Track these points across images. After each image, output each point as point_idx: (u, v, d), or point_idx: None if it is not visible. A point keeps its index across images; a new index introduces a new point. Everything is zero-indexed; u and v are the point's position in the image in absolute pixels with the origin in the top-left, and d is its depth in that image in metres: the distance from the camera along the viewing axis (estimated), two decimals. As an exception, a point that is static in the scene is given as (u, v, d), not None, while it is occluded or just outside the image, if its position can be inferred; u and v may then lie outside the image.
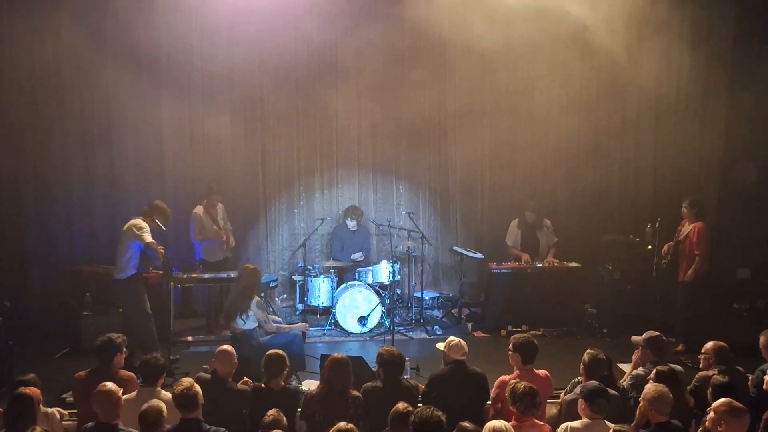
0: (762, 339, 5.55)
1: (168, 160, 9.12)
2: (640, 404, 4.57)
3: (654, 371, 4.96)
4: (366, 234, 9.42)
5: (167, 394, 4.93)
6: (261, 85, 9.10)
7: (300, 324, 7.57)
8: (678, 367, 5.24)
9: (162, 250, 6.90)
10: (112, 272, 7.19)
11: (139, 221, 7.00)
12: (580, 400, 4.51)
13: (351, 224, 9.14)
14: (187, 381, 4.62)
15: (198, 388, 4.54)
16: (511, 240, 8.95)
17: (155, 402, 4.38)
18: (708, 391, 4.72)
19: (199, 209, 8.41)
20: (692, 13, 9.30)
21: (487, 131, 9.59)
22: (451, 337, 5.49)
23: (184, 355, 7.51)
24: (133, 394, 4.94)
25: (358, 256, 9.11)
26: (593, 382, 4.62)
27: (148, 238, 6.87)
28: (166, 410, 4.33)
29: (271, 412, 4.59)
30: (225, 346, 5.44)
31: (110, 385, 4.51)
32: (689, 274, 7.68)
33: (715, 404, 4.18)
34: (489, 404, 5.33)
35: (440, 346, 5.54)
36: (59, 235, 9.02)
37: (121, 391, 4.57)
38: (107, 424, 4.39)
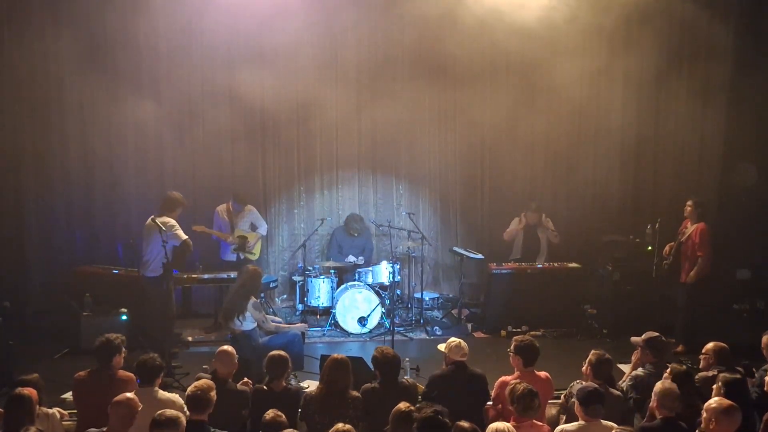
0: (765, 339, 5.54)
1: (168, 160, 9.11)
2: (652, 400, 4.54)
3: (669, 369, 4.96)
4: (368, 237, 9.41)
5: (165, 394, 4.94)
6: (261, 86, 9.07)
7: (299, 324, 7.57)
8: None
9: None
10: (140, 270, 7.22)
11: (169, 219, 6.95)
12: (575, 402, 4.49)
13: (353, 233, 9.14)
14: (204, 383, 4.57)
15: (213, 392, 4.50)
16: (509, 230, 8.92)
17: (169, 412, 4.16)
18: (714, 388, 4.71)
19: (219, 207, 8.57)
20: (693, 13, 9.29)
21: (487, 132, 9.58)
22: (452, 338, 5.48)
23: (184, 355, 7.50)
24: (131, 394, 4.92)
25: (359, 260, 9.10)
26: (591, 385, 4.61)
27: (183, 235, 6.89)
28: (181, 418, 4.14)
29: (270, 411, 4.58)
30: (225, 347, 5.42)
31: (131, 396, 4.38)
32: (691, 275, 7.65)
33: (706, 404, 4.19)
34: (489, 405, 5.33)
35: (441, 347, 5.55)
36: (59, 235, 9.00)
37: (141, 407, 4.40)
38: None
